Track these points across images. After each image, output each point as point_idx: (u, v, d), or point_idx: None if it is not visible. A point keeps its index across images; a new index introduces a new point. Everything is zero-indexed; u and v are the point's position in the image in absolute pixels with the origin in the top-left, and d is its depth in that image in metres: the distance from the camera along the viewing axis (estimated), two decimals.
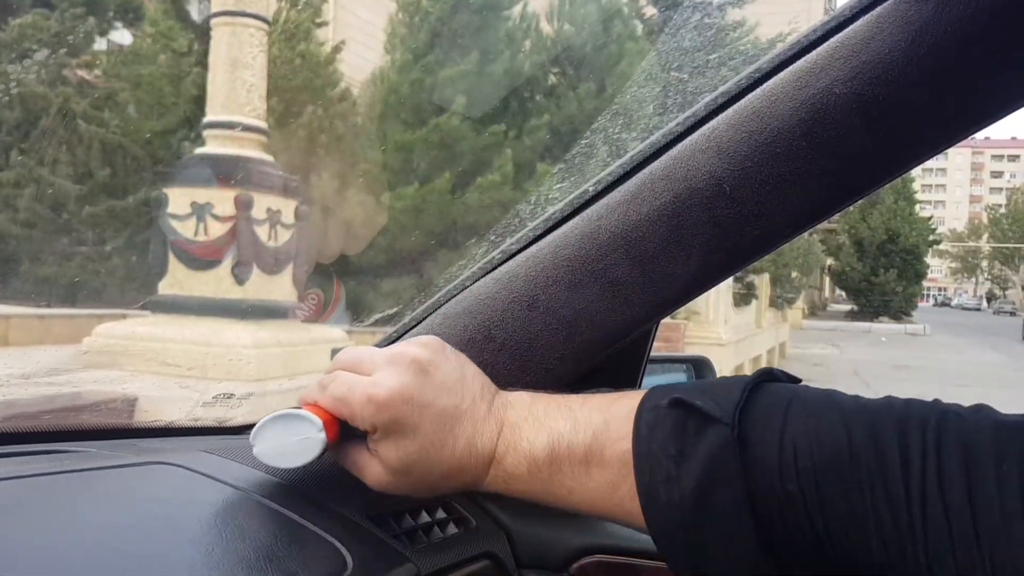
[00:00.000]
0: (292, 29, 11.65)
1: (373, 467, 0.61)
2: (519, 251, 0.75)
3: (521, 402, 0.62)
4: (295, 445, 0.58)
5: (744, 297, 12.15)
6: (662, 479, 0.53)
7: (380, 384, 0.58)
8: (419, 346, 0.62)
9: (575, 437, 0.57)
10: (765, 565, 0.52)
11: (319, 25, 12.87)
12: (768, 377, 0.57)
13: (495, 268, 0.76)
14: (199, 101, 9.03)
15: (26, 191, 10.18)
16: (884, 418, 0.50)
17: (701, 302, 8.99)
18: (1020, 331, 24.26)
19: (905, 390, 0.58)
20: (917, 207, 34.12)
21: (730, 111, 0.67)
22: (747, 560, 0.52)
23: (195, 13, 12.11)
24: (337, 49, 12.50)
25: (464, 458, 0.60)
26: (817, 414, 0.52)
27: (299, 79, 11.15)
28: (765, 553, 0.51)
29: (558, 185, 0.96)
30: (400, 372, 0.59)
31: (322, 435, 0.58)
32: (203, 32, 9.61)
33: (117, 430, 0.86)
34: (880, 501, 0.48)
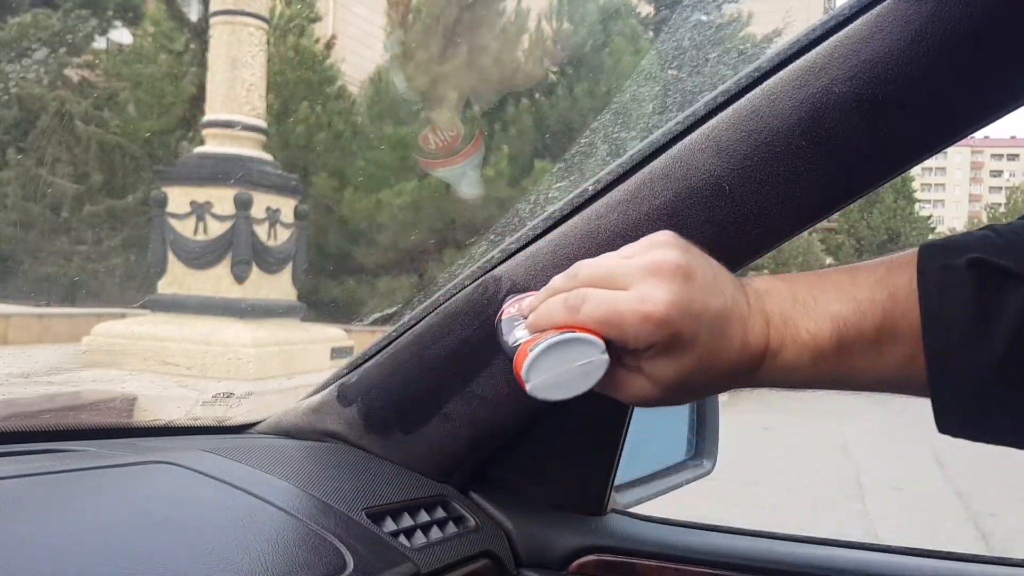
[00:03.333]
0: (285, 25, 11.64)
1: (638, 383, 0.56)
2: (519, 250, 0.75)
3: (778, 290, 0.57)
4: (574, 371, 0.53)
5: None
6: (960, 342, 0.51)
7: (652, 299, 0.53)
8: (671, 248, 0.56)
9: (863, 319, 0.53)
10: None
11: (313, 20, 12.86)
12: None
13: (495, 267, 0.76)
14: (198, 100, 9.02)
15: (25, 190, 10.17)
16: None
17: None
18: None
19: None
20: (917, 206, 34.12)
21: (729, 110, 0.67)
22: None
23: (194, 13, 12.10)
24: (329, 44, 12.48)
25: (737, 360, 0.55)
26: None
27: (295, 76, 11.15)
28: None
29: (557, 184, 0.96)
30: (668, 283, 0.53)
31: (605, 356, 0.53)
32: (202, 31, 9.60)
33: (117, 429, 0.86)
34: None
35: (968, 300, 0.51)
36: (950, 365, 0.51)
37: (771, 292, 0.57)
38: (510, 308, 0.61)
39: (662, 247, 0.56)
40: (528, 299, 0.60)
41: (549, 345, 0.53)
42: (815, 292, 0.56)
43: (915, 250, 0.54)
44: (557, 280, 0.58)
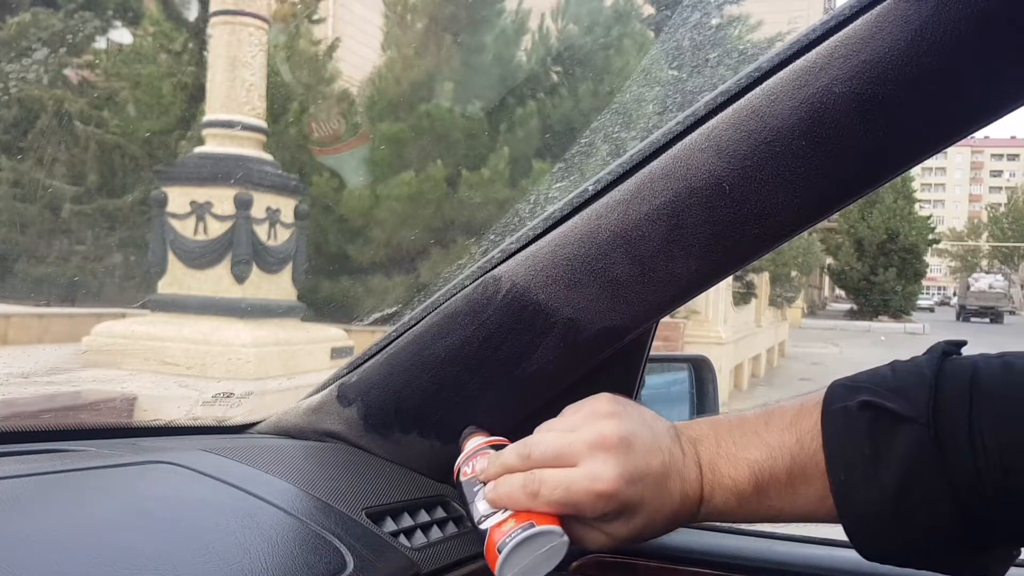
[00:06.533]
0: (290, 31, 11.63)
1: (596, 537, 0.62)
2: (519, 250, 0.75)
3: (706, 436, 0.63)
4: (539, 558, 0.59)
5: (743, 296, 12.14)
6: (859, 479, 0.56)
7: (600, 477, 0.58)
8: (611, 420, 0.61)
9: (775, 464, 0.59)
10: (965, 547, 0.55)
11: (315, 22, 12.84)
12: (941, 357, 0.58)
13: (495, 267, 0.76)
14: (198, 100, 9.02)
15: (24, 190, 10.17)
16: None
17: (700, 301, 8.99)
18: (1016, 330, 24.33)
19: None
20: (916, 206, 34.06)
21: (729, 110, 0.67)
22: (950, 545, 0.55)
23: (194, 12, 12.09)
24: (332, 47, 12.45)
25: (679, 509, 0.61)
26: (1000, 394, 0.55)
27: (296, 81, 11.14)
28: (965, 535, 0.55)
29: (557, 184, 0.96)
30: (613, 457, 0.59)
31: (565, 538, 0.59)
32: (202, 31, 9.60)
33: (117, 429, 0.86)
34: None
35: (862, 441, 0.56)
36: (852, 501, 0.57)
37: (701, 440, 0.63)
38: (466, 467, 0.65)
39: (602, 419, 0.61)
40: (480, 460, 0.64)
41: (515, 544, 0.58)
42: (736, 437, 0.62)
43: (824, 389, 0.60)
44: (510, 457, 0.62)
